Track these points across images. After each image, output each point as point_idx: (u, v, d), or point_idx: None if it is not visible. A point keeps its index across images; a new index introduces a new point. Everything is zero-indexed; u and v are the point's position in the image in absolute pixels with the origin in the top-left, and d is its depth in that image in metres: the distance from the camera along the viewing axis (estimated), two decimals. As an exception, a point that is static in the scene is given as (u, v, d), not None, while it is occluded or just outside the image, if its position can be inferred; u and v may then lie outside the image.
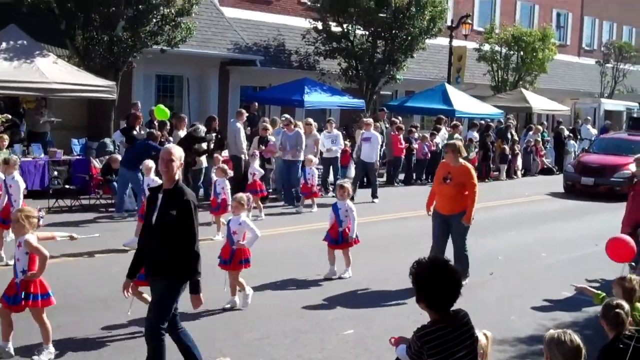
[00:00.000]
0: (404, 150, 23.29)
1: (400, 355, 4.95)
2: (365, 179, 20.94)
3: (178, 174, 6.52)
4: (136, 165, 15.31)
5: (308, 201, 17.74)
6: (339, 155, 20.29)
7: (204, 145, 16.92)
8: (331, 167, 20.21)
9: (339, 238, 11.16)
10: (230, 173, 15.08)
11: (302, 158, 18.00)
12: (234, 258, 9.25)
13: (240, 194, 9.93)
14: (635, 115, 35.84)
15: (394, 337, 5.13)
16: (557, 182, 24.20)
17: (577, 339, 4.59)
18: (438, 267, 4.74)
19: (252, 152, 17.21)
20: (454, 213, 10.64)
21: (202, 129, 16.99)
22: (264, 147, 18.15)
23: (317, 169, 20.19)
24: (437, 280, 4.67)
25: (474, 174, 10.82)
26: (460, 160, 10.73)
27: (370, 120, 20.31)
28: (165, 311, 6.51)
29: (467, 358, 4.69)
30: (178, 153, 6.54)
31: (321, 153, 19.77)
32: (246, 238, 9.35)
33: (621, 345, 5.37)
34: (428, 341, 4.58)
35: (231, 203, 10.06)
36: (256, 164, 16.52)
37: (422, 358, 4.61)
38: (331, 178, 19.96)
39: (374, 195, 19.58)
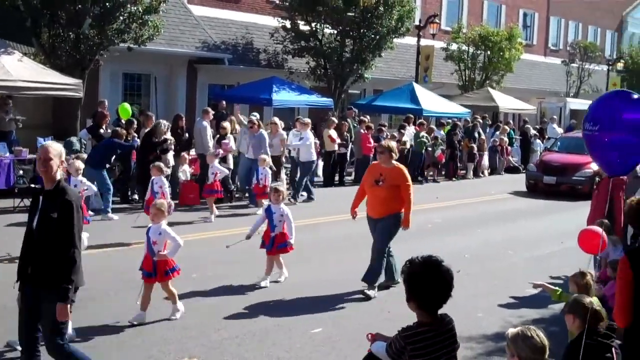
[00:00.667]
0: (373, 149, 23.37)
1: (376, 352, 4.96)
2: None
3: (59, 174, 6.10)
4: (101, 163, 15.28)
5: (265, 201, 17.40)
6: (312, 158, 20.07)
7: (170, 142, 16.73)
8: (299, 167, 20.04)
9: (270, 243, 10.58)
10: (168, 171, 14.62)
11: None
12: (158, 270, 8.57)
13: (160, 200, 9.28)
14: None
15: (371, 333, 5.15)
16: (523, 180, 24.40)
17: (541, 334, 4.66)
18: (430, 267, 4.70)
19: (216, 152, 16.91)
20: (384, 215, 10.29)
21: (165, 124, 16.82)
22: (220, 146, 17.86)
23: (285, 167, 20.20)
24: (429, 281, 4.64)
25: (408, 175, 10.44)
26: (393, 161, 10.32)
27: (306, 120, 19.98)
28: (62, 325, 6.10)
29: None
30: (57, 150, 6.11)
31: (289, 152, 19.75)
32: (167, 247, 8.67)
33: (589, 341, 5.47)
34: (412, 342, 4.58)
35: (151, 209, 9.00)
36: (216, 162, 16.22)
37: (403, 358, 4.63)
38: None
39: (309, 193, 19.35)
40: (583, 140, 25.73)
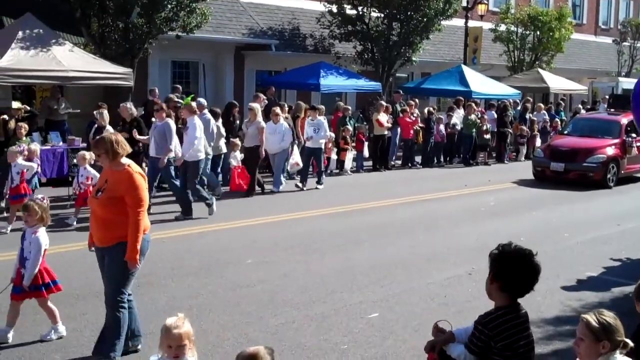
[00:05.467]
0: (413, 133, 23.13)
1: (457, 357, 4.88)
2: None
3: None
4: None
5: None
6: (322, 146, 18.52)
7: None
8: (313, 159, 18.44)
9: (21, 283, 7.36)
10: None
11: (172, 155, 14.19)
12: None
13: None
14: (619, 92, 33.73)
15: (431, 353, 5.07)
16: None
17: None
18: (524, 253, 4.76)
19: (21, 148, 13.38)
20: (108, 245, 6.81)
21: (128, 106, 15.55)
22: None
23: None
24: (520, 265, 4.71)
25: (140, 182, 6.76)
26: (123, 161, 6.85)
27: (277, 109, 17.70)
28: None
29: (529, 346, 4.72)
30: None
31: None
32: None
33: None
34: (496, 326, 4.60)
35: None
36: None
37: (490, 345, 4.61)
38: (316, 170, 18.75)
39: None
40: (597, 122, 23.05)
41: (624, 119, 21.08)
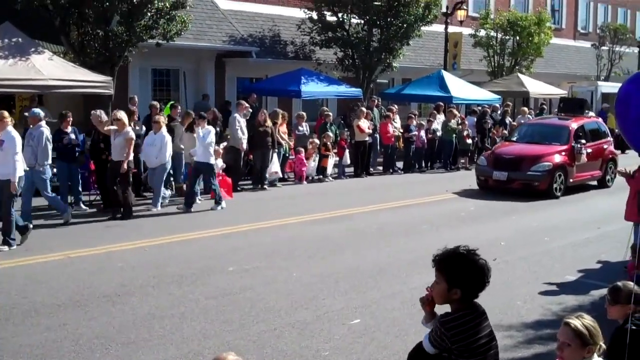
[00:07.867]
0: (393, 139, 23.21)
1: (425, 345, 4.92)
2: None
3: None
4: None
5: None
6: (212, 161, 16.06)
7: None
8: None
9: None
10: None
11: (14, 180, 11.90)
12: None
13: None
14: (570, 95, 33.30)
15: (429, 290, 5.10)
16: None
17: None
18: (472, 257, 4.72)
19: None
20: None
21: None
22: None
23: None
24: (473, 270, 4.67)
25: None
26: None
27: (160, 118, 16.06)
28: None
29: (490, 344, 4.69)
30: None
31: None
32: None
33: (633, 327, 5.37)
34: (451, 328, 4.59)
35: None
36: None
37: (445, 344, 4.63)
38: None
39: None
40: (545, 127, 20.86)
41: (574, 124, 20.20)
